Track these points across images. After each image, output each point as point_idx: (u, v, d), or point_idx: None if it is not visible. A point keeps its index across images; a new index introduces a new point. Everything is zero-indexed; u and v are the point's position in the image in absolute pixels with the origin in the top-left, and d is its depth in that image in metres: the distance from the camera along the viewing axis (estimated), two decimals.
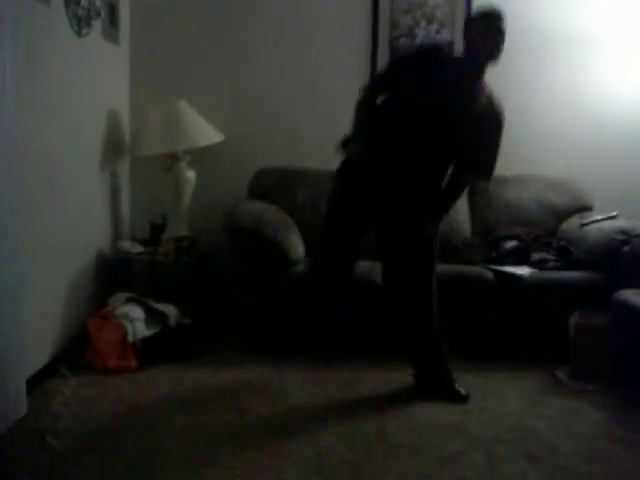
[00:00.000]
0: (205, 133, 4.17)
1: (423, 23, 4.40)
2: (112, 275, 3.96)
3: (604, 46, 4.35)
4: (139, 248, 4.07)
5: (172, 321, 3.65)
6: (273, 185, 4.23)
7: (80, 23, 3.48)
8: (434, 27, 4.40)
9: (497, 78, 3.10)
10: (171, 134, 4.07)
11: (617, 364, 3.32)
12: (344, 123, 4.36)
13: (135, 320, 3.50)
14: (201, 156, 4.20)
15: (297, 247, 3.85)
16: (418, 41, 4.39)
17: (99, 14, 3.73)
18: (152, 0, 4.36)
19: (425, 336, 3.24)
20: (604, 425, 3.01)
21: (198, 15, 4.39)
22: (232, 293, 3.82)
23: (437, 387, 3.24)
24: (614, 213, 3.98)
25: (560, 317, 3.47)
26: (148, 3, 4.36)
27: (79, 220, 3.62)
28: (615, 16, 4.33)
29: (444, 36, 4.38)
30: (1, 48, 2.52)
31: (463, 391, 3.21)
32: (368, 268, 3.54)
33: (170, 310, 3.68)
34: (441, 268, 3.81)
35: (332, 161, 4.32)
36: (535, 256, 3.85)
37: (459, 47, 4.31)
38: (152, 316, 3.61)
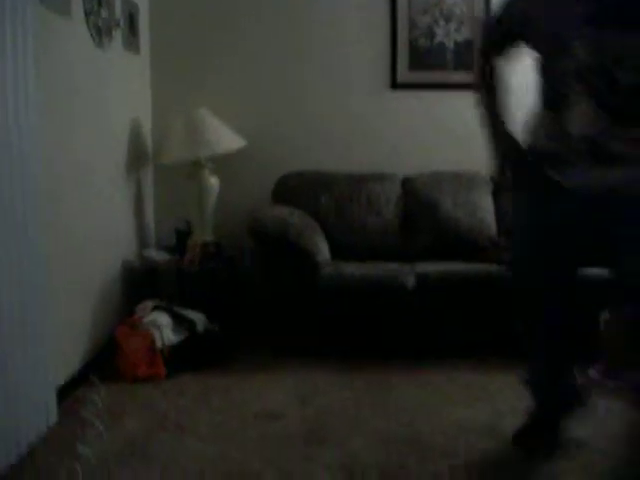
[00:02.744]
0: (227, 139, 4.17)
1: (442, 22, 4.38)
2: (139, 284, 3.98)
3: None
4: (164, 256, 4.08)
5: (200, 327, 3.65)
6: (297, 189, 4.23)
7: (100, 34, 3.51)
8: (452, 25, 4.38)
9: None
10: (193, 141, 4.08)
11: None
12: (365, 125, 4.41)
13: (163, 327, 3.51)
14: (224, 162, 4.21)
15: (323, 251, 3.85)
16: (438, 40, 4.38)
17: (118, 24, 3.75)
18: (171, 9, 4.40)
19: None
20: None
21: (217, 22, 4.41)
22: (259, 298, 3.83)
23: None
24: None
25: (589, 314, 3.41)
26: (167, 12, 4.39)
27: (105, 230, 3.65)
28: None
29: (463, 34, 4.36)
30: (24, 62, 2.54)
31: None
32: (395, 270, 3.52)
33: (197, 317, 3.69)
34: (467, 268, 3.78)
35: (354, 164, 4.36)
36: None
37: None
38: (179, 323, 3.62)
